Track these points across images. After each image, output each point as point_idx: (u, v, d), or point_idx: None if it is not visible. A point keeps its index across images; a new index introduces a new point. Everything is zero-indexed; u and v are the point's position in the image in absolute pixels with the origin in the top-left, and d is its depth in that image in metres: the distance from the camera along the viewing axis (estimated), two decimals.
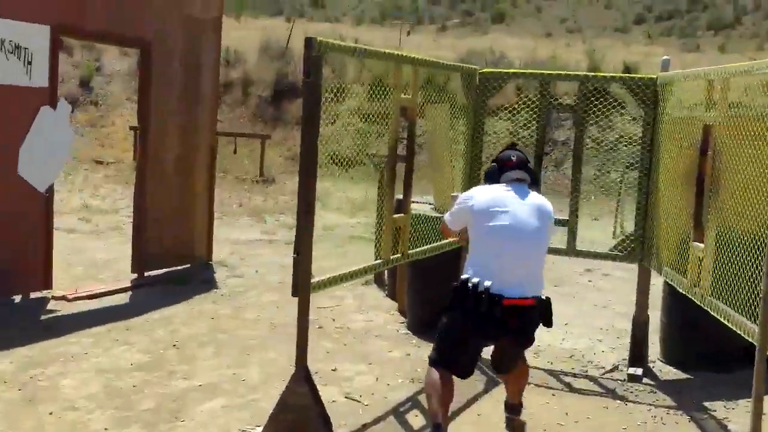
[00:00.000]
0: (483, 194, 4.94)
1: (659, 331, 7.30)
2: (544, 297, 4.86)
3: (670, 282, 6.30)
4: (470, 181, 7.12)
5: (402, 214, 6.29)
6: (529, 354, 7.29)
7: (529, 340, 4.94)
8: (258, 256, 10.77)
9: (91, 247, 10.95)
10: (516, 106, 8.01)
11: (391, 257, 6.17)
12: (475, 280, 4.63)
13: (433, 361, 4.87)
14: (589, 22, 34.14)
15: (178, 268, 9.58)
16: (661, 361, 7.20)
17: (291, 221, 13.69)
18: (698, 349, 6.86)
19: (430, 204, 8.29)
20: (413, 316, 7.79)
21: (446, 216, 5.35)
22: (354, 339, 7.48)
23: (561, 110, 7.17)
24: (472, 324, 4.71)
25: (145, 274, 9.20)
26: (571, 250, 7.01)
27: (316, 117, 5.06)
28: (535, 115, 7.11)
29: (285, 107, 18.64)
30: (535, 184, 5.01)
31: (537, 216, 4.81)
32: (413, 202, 8.16)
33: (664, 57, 7.11)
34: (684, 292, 5.90)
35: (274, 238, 12.21)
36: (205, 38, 9.46)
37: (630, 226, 13.65)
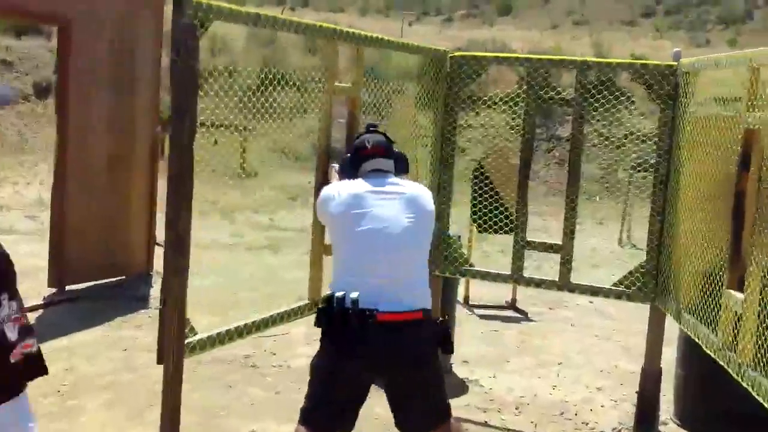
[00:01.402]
0: (342, 193, 3.65)
1: (673, 384, 5.56)
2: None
3: (692, 336, 4.53)
4: (439, 186, 5.42)
5: None
6: (509, 408, 5.61)
7: (431, 377, 3.55)
8: (213, 264, 8.99)
9: (25, 252, 9.19)
10: (512, 96, 6.30)
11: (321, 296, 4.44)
12: (339, 294, 3.42)
13: (301, 415, 3.57)
14: (596, 14, 32.25)
15: (110, 280, 7.86)
16: (675, 422, 5.51)
17: (264, 221, 11.99)
18: (722, 409, 5.13)
19: None
20: None
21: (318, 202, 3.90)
22: (291, 383, 5.74)
23: (554, 104, 5.37)
24: (343, 354, 3.46)
25: (67, 287, 7.48)
26: (564, 284, 5.27)
27: (187, 114, 3.36)
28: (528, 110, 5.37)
29: (272, 97, 16.90)
30: (404, 170, 3.88)
31: (408, 210, 3.61)
32: None
33: (675, 49, 5.45)
34: (711, 354, 4.17)
35: (239, 241, 10.48)
36: (141, 15, 7.69)
37: (639, 234, 12.00)
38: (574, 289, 5.28)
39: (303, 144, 15.49)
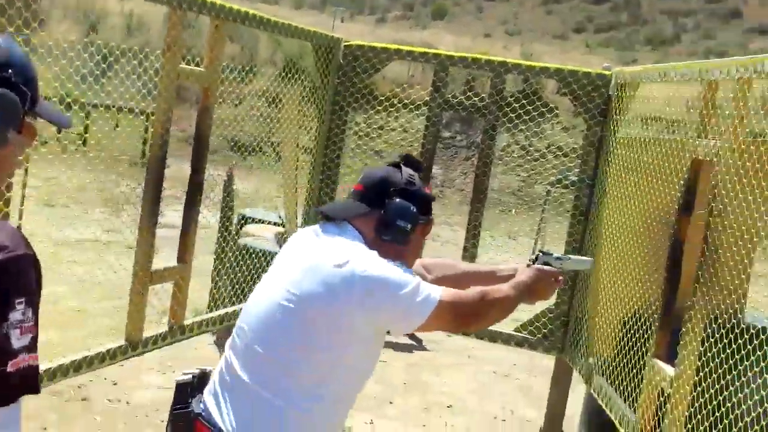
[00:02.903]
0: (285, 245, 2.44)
1: None
2: None
3: (604, 408, 3.61)
4: (319, 200, 4.45)
5: (178, 263, 3.56)
6: None
7: None
8: (72, 266, 7.82)
9: None
10: (413, 99, 5.38)
11: (148, 335, 3.42)
12: (183, 376, 2.33)
13: None
14: (529, 26, 31.70)
15: None
16: None
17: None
18: None
19: (279, 220, 5.63)
20: None
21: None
22: (122, 426, 4.68)
23: (464, 111, 4.42)
24: None
25: None
26: None
27: None
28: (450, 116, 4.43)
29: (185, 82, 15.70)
30: (393, 232, 2.29)
31: (303, 282, 2.16)
32: (255, 220, 5.46)
33: (605, 64, 4.65)
34: None
35: (114, 239, 9.29)
36: None
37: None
38: (468, 333, 4.34)
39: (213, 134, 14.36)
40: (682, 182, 3.07)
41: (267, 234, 5.40)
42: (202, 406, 2.24)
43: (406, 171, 2.35)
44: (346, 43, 4.47)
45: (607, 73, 4.19)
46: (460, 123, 16.80)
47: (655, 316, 3.16)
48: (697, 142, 2.98)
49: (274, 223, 5.88)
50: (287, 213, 4.80)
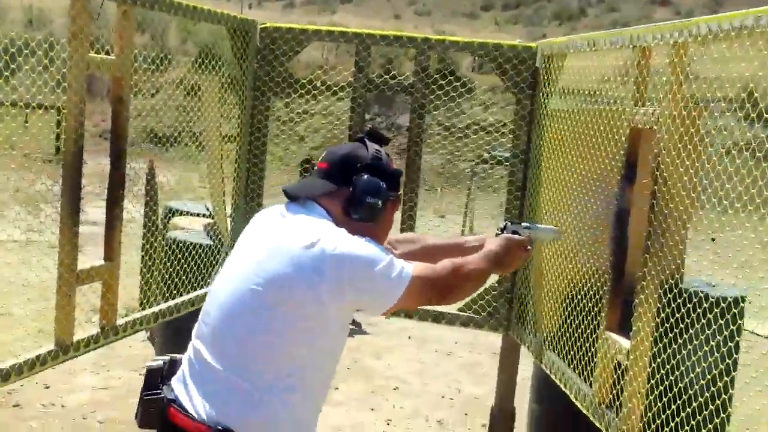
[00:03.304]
0: (250, 223, 2.30)
1: (527, 419, 4.56)
2: None
3: (557, 382, 3.51)
4: (246, 188, 4.24)
5: (105, 262, 3.33)
6: None
7: None
8: None
9: None
10: (337, 81, 5.21)
11: (80, 338, 3.18)
12: (153, 364, 2.19)
13: None
14: (438, 5, 31.70)
15: None
16: None
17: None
18: None
19: (207, 212, 5.43)
20: None
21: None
22: (62, 430, 4.43)
23: (389, 91, 4.26)
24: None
25: None
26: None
27: None
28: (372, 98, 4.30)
29: (96, 75, 15.18)
30: (358, 203, 2.15)
31: (271, 264, 2.03)
32: (183, 213, 5.25)
33: (518, 40, 4.53)
34: (584, 411, 3.17)
35: (36, 239, 8.90)
36: None
37: (481, 228, 11.12)
38: (411, 314, 4.19)
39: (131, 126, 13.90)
40: (622, 152, 2.97)
41: (196, 226, 5.15)
42: (173, 393, 2.10)
43: (372, 146, 2.23)
44: (262, 26, 4.25)
45: (532, 45, 4.07)
46: (379, 104, 16.66)
47: (604, 288, 3.05)
48: (635, 111, 2.88)
49: (203, 215, 5.65)
50: (215, 204, 4.58)
